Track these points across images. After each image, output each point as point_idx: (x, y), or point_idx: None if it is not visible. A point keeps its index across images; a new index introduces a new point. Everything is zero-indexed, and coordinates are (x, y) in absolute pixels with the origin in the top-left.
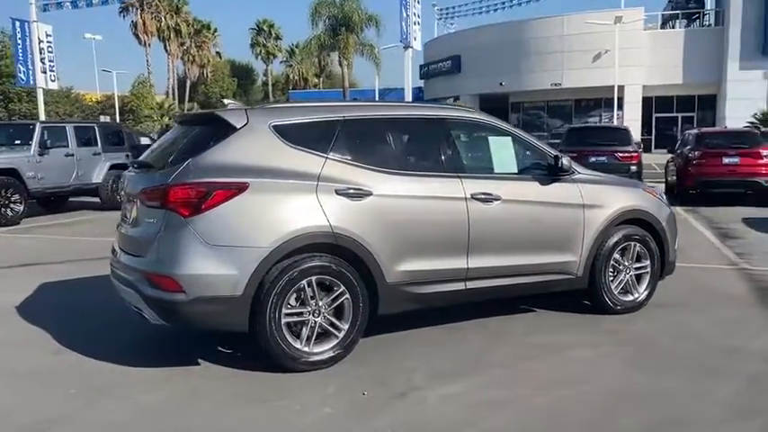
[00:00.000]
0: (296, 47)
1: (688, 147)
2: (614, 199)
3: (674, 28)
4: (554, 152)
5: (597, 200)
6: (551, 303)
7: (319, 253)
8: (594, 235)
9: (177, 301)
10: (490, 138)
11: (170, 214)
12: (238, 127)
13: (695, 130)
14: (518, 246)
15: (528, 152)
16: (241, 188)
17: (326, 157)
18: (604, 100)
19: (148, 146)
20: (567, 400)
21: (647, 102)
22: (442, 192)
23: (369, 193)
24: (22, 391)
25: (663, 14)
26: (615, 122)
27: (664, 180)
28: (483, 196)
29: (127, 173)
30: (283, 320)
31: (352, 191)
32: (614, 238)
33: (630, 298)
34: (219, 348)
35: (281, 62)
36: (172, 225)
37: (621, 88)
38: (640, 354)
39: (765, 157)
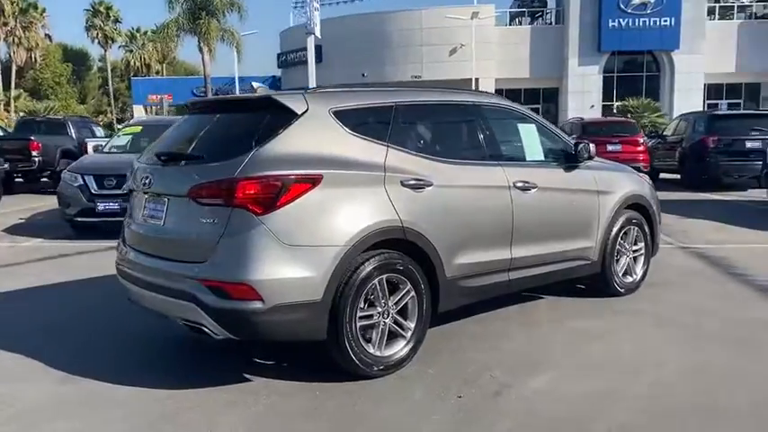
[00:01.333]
0: (137, 31)
1: (573, 136)
2: (620, 185)
3: (520, 25)
4: (571, 140)
5: (608, 186)
6: (550, 290)
7: (388, 249)
8: (607, 221)
9: (253, 311)
10: (519, 125)
11: (238, 212)
12: (299, 113)
13: (577, 119)
14: (550, 234)
15: (549, 139)
16: (315, 181)
17: (387, 146)
18: None
19: None
20: (661, 386)
21: (498, 94)
22: (490, 180)
23: (430, 184)
24: None
25: (510, 12)
26: None
27: None
28: (522, 184)
29: (142, 165)
30: (358, 324)
31: (414, 182)
32: (620, 223)
33: (630, 279)
34: (257, 360)
35: (119, 47)
36: (241, 225)
37: (477, 81)
38: (676, 332)
39: (642, 144)
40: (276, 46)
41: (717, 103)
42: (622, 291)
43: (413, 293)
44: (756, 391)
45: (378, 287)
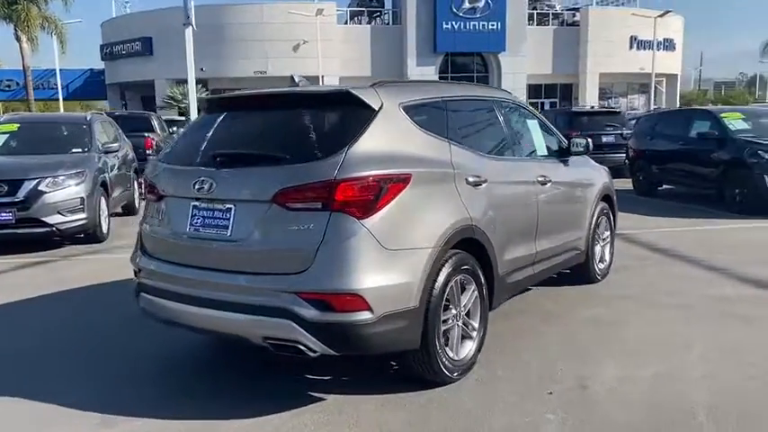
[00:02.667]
0: None
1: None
2: (597, 177)
3: (360, 24)
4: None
5: (591, 179)
6: None
7: (460, 249)
8: (592, 211)
9: (362, 323)
10: (528, 121)
11: (338, 216)
12: (376, 109)
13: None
14: (560, 226)
15: (549, 134)
16: (406, 180)
17: (449, 142)
18: None
19: None
20: (710, 364)
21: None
22: (523, 176)
23: (485, 180)
24: None
25: (349, 10)
26: None
27: None
28: (541, 179)
29: (182, 168)
30: (441, 328)
31: (473, 178)
32: (597, 213)
33: (602, 266)
34: (309, 376)
35: None
36: (343, 230)
37: (322, 78)
38: (674, 313)
39: None
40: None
41: (537, 102)
42: (599, 277)
43: (476, 293)
44: None
45: (454, 289)
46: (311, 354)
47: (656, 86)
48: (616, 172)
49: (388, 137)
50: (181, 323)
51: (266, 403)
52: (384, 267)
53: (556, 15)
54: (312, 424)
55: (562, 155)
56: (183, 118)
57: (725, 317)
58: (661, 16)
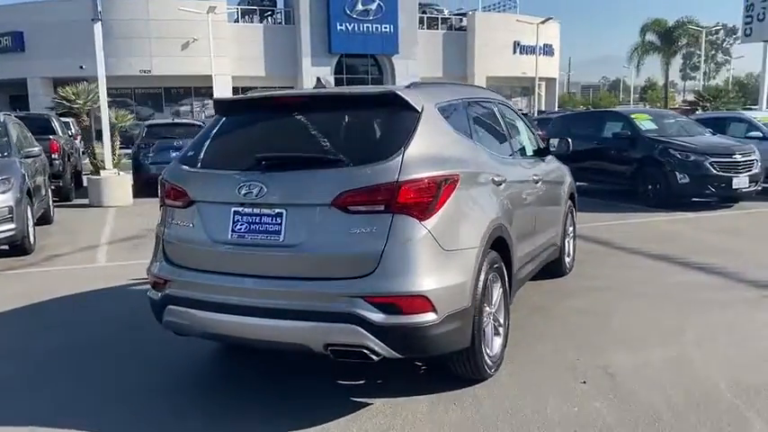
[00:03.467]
0: None
1: None
2: (566, 175)
3: (252, 22)
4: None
5: (562, 177)
6: None
7: (492, 248)
8: (564, 208)
9: (428, 324)
10: (517, 121)
11: (401, 218)
12: (419, 110)
13: None
14: (548, 222)
15: (532, 134)
16: (456, 181)
17: (475, 143)
18: (195, 89)
19: None
20: (712, 346)
21: (236, 92)
22: (526, 175)
23: (504, 180)
24: None
25: (240, 9)
26: (206, 112)
27: None
28: (536, 177)
29: (223, 173)
30: (483, 326)
31: (497, 178)
32: (566, 209)
33: (569, 260)
34: (342, 382)
35: None
36: (406, 232)
37: (212, 78)
38: (650, 301)
39: None
40: None
41: None
42: (568, 271)
43: (502, 290)
44: None
45: (489, 287)
46: (374, 358)
47: (533, 89)
48: None
49: (433, 138)
50: (221, 334)
51: (316, 412)
52: (444, 268)
53: (444, 20)
54: (375, 429)
55: (542, 154)
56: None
57: (697, 302)
58: (543, 23)
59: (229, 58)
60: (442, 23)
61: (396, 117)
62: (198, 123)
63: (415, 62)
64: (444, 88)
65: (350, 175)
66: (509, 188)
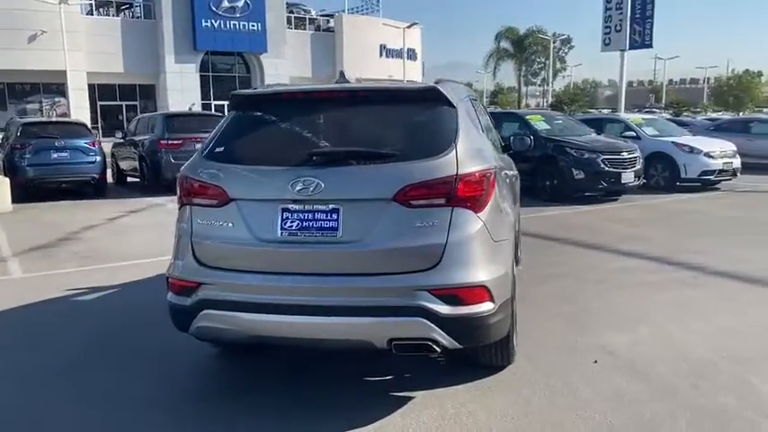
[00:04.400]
0: None
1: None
2: (515, 170)
3: (108, 15)
4: None
5: (516, 171)
6: None
7: None
8: (518, 202)
9: (487, 314)
10: (488, 117)
11: (460, 211)
12: (456, 105)
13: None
14: (516, 215)
15: (497, 131)
16: (496, 174)
17: (485, 138)
18: (44, 85)
19: None
20: (724, 321)
21: (91, 89)
22: (512, 170)
23: (506, 174)
24: None
25: (95, 0)
26: (57, 111)
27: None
28: (513, 173)
29: (302, 170)
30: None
31: (504, 172)
32: (518, 202)
33: (520, 250)
34: (370, 378)
35: None
36: (465, 224)
37: (65, 74)
38: (622, 283)
39: None
40: None
41: None
42: (520, 263)
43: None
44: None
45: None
46: (437, 350)
47: None
48: None
49: (470, 134)
50: (270, 336)
51: (365, 410)
52: (495, 259)
53: (312, 20)
54: (432, 419)
55: (506, 150)
56: None
57: (644, 285)
58: (409, 27)
59: (84, 52)
60: (309, 24)
61: (439, 112)
62: (80, 122)
63: (284, 62)
64: (454, 83)
65: (410, 170)
66: (509, 181)
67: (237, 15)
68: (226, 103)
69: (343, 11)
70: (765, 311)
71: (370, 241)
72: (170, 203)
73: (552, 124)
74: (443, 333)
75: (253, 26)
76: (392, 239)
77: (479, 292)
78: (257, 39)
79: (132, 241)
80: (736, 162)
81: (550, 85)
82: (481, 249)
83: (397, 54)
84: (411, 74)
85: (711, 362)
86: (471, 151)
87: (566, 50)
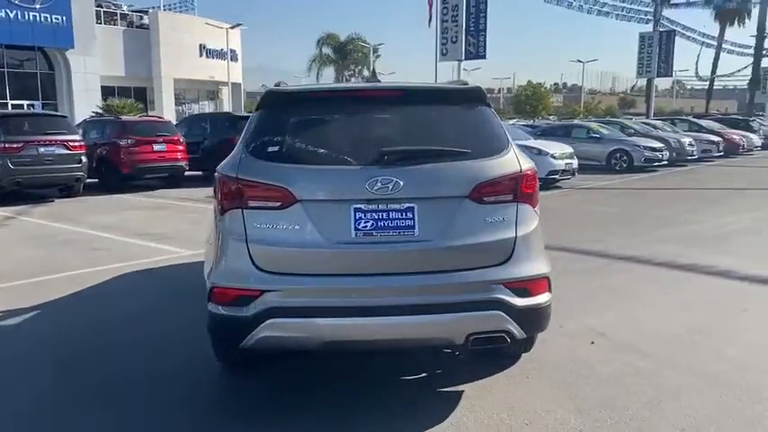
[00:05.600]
0: None
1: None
2: None
3: None
4: None
5: None
6: None
7: None
8: None
9: (547, 304)
10: None
11: (523, 207)
12: (489, 104)
13: (116, 118)
14: None
15: None
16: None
17: None
18: None
19: None
20: (695, 307)
21: None
22: None
23: None
24: None
25: None
26: None
27: None
28: None
29: (378, 169)
30: None
31: None
32: None
33: None
34: (407, 378)
35: None
36: (527, 219)
37: None
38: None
39: (182, 143)
40: None
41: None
42: None
43: None
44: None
45: None
46: (509, 342)
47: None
48: None
49: (510, 133)
50: (347, 340)
51: (430, 407)
52: (545, 252)
53: (124, 16)
54: (492, 409)
55: None
56: None
57: (577, 273)
58: (233, 28)
59: None
60: (121, 19)
61: (484, 112)
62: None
63: (93, 59)
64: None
65: (481, 168)
66: None
67: (37, 6)
68: (26, 102)
69: (158, 7)
70: (685, 293)
71: (447, 238)
72: (20, 216)
73: None
74: (516, 324)
75: (56, 19)
76: (468, 236)
77: (543, 283)
78: (62, 33)
79: None
80: (575, 162)
81: None
82: (539, 242)
83: (218, 55)
84: (233, 75)
85: (688, 337)
86: (519, 150)
87: (373, 59)
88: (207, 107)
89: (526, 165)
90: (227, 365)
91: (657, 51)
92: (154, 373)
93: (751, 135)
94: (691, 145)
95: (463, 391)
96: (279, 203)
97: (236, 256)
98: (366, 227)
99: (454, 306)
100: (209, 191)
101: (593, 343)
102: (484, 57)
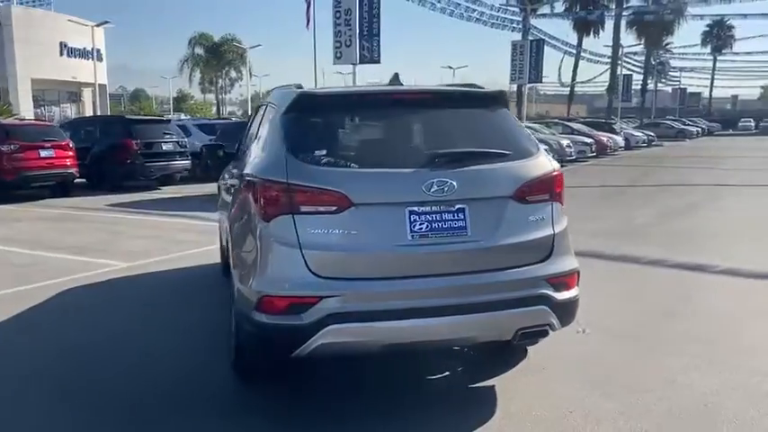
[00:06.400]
0: None
1: None
2: None
3: None
4: None
5: None
6: None
7: None
8: None
9: (577, 297)
10: None
11: (556, 205)
12: (507, 106)
13: None
14: None
15: None
16: None
17: None
18: None
19: None
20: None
21: None
22: None
23: None
24: None
25: None
26: None
27: None
28: None
29: (432, 172)
30: None
31: None
32: None
33: None
34: (447, 373)
35: None
36: (560, 216)
37: None
38: None
39: (71, 149)
40: None
41: None
42: None
43: None
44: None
45: None
46: (548, 334)
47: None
48: (182, 179)
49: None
50: (405, 342)
51: (468, 405)
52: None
53: None
54: (530, 400)
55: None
56: None
57: None
58: (98, 26)
59: None
60: None
61: (507, 114)
62: None
63: None
64: None
65: (522, 168)
66: None
67: None
68: None
69: (10, 2)
70: (631, 280)
71: (496, 238)
72: None
73: None
74: (556, 317)
75: None
76: (515, 235)
77: (575, 277)
78: None
79: None
80: None
81: (222, 93)
82: (569, 239)
83: (81, 54)
84: (99, 76)
85: (646, 313)
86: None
87: (242, 61)
88: (70, 110)
89: (556, 165)
90: (244, 377)
91: (529, 59)
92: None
93: (615, 137)
94: (569, 146)
95: (494, 385)
96: (335, 208)
97: (290, 263)
98: (421, 229)
99: (506, 303)
100: (108, 199)
101: (584, 331)
102: (378, 61)
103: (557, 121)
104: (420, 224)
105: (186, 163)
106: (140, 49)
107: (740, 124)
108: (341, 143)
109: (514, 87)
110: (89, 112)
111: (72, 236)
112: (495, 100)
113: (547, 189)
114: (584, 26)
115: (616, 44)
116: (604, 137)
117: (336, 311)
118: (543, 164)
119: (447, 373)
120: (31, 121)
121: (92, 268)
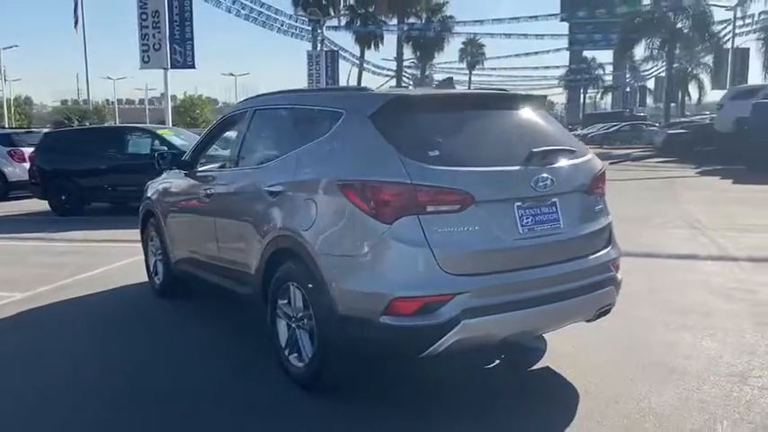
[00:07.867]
0: None
1: None
2: None
3: None
4: None
5: None
6: None
7: None
8: None
9: (620, 279)
10: None
11: (604, 198)
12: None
13: None
14: None
15: None
16: None
17: None
18: None
19: None
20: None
21: None
22: None
23: None
24: None
25: None
26: None
27: None
28: None
29: (536, 169)
30: None
31: None
32: None
33: None
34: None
35: None
36: (607, 208)
37: None
38: None
39: None
40: None
41: None
42: None
43: None
44: None
45: None
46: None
47: None
48: None
49: None
50: (524, 331)
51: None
52: None
53: None
54: (583, 376)
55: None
56: None
57: None
58: None
59: None
60: None
61: (551, 116)
62: None
63: None
64: None
65: (588, 164)
66: None
67: None
68: None
69: None
70: None
71: (580, 228)
72: None
73: (186, 137)
74: (616, 298)
75: None
76: (591, 224)
77: (619, 262)
78: None
79: None
80: None
81: None
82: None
83: None
84: None
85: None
86: None
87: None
88: None
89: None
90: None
91: (324, 69)
92: None
93: None
94: None
95: (547, 366)
96: (459, 206)
97: (421, 263)
98: (528, 222)
99: (593, 286)
100: None
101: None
102: (193, 66)
103: None
104: (526, 218)
105: None
106: None
107: None
108: (447, 143)
109: None
110: None
111: None
112: (542, 103)
113: (602, 183)
114: (365, 39)
115: (400, 57)
116: None
117: (468, 307)
118: (596, 161)
119: (494, 363)
120: None
121: None
